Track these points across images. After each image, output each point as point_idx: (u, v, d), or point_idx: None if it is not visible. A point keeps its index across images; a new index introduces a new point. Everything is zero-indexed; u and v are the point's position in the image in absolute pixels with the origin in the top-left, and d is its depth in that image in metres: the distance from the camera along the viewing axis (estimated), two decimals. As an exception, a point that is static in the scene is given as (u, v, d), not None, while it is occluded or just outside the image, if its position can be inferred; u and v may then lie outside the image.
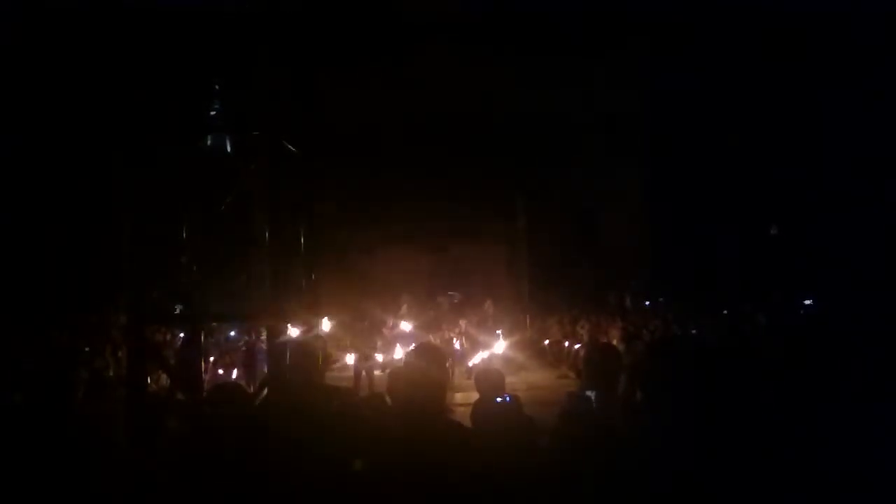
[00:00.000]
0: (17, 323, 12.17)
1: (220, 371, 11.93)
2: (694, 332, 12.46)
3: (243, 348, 12.89)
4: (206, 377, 7.89)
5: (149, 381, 5.91)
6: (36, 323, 12.67)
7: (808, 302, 14.59)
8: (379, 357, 12.09)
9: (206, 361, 10.06)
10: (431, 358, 3.06)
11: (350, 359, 11.72)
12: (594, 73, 18.62)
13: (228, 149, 5.71)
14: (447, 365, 3.39)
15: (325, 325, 9.75)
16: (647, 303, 18.58)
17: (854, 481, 2.84)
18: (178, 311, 5.69)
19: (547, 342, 15.29)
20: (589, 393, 3.56)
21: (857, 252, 15.60)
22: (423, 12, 16.89)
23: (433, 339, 13.14)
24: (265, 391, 4.98)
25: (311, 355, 3.43)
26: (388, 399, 4.02)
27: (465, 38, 17.87)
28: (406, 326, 13.32)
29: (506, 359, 11.76)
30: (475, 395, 4.74)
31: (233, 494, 2.64)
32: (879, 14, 14.63)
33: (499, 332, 13.27)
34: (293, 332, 5.38)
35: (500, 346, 11.84)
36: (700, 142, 18.75)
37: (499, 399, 4.43)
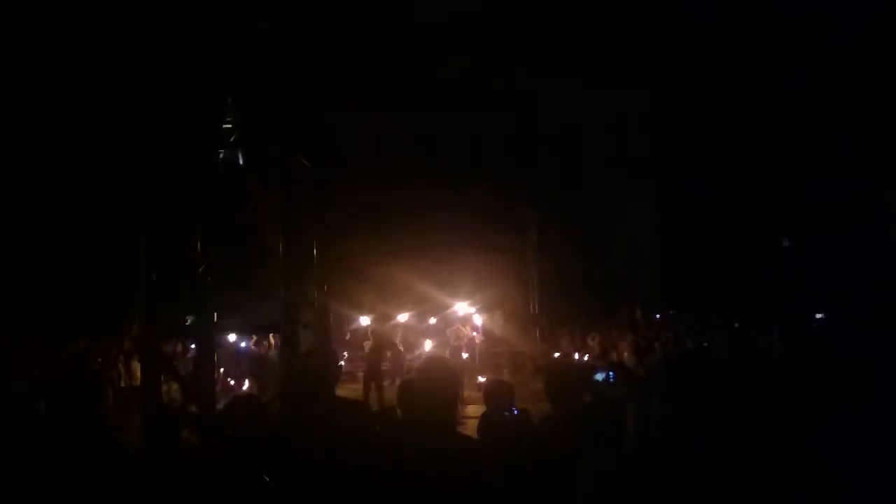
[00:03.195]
0: (30, 333, 12.27)
1: (232, 382, 11.97)
2: (706, 344, 12.38)
3: (257, 353, 12.97)
4: (217, 388, 7.93)
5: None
6: (49, 333, 12.77)
7: (819, 315, 14.48)
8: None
9: (217, 372, 10.11)
10: (442, 371, 3.07)
11: None
12: (605, 84, 18.64)
13: (241, 162, 5.78)
14: (458, 378, 3.41)
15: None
16: (658, 315, 18.48)
17: (863, 487, 2.85)
18: (189, 322, 5.74)
19: (557, 354, 15.24)
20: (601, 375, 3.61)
21: (866, 265, 15.50)
22: (435, 27, 16.99)
23: (443, 349, 13.18)
24: (277, 402, 5.00)
25: (326, 367, 3.45)
26: (398, 412, 4.04)
27: (476, 51, 17.95)
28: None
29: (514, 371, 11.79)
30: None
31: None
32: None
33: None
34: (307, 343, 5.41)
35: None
36: (711, 153, 18.72)
37: (507, 412, 4.42)
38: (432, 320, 15.14)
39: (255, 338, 13.27)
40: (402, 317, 14.43)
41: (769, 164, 18.05)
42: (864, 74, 15.68)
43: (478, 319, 15.26)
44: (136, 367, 10.07)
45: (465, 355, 13.80)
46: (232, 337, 12.90)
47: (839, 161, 16.71)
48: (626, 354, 10.90)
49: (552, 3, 18.05)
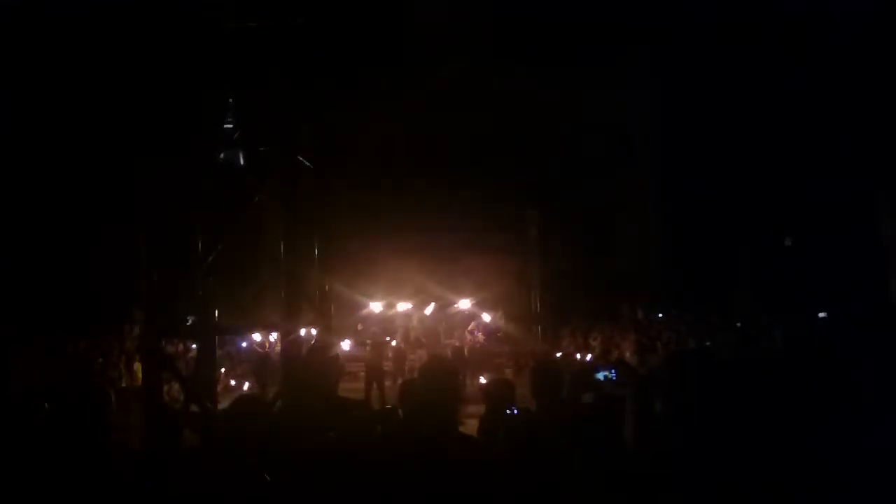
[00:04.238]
0: (30, 333, 12.28)
1: (233, 382, 11.99)
2: (708, 344, 12.38)
3: (258, 353, 12.99)
4: (218, 388, 7.94)
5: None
6: (50, 334, 12.78)
7: (822, 314, 14.48)
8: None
9: (218, 372, 10.13)
10: (443, 371, 3.08)
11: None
12: (606, 83, 18.65)
13: (241, 162, 5.79)
14: (459, 377, 3.42)
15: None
16: (660, 314, 18.48)
17: (867, 490, 2.84)
18: (190, 323, 5.75)
19: (559, 354, 15.22)
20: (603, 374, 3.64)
21: (866, 265, 15.50)
22: (434, 26, 16.98)
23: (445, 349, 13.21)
24: (279, 402, 5.01)
25: (328, 367, 3.46)
26: (399, 412, 4.04)
27: (476, 49, 17.94)
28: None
29: (516, 371, 11.82)
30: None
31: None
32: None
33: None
34: (308, 342, 5.42)
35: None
36: (714, 152, 18.71)
37: (508, 411, 4.42)
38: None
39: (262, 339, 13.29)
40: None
41: (769, 164, 18.04)
42: (864, 74, 15.66)
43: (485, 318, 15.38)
44: (138, 367, 10.09)
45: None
46: (257, 337, 12.91)
47: (839, 161, 16.70)
48: (627, 354, 10.92)
49: (552, 3, 18.05)
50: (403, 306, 16.13)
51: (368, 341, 13.20)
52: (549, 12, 17.87)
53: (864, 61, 15.54)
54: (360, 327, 15.44)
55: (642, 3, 17.93)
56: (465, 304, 16.31)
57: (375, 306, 16.11)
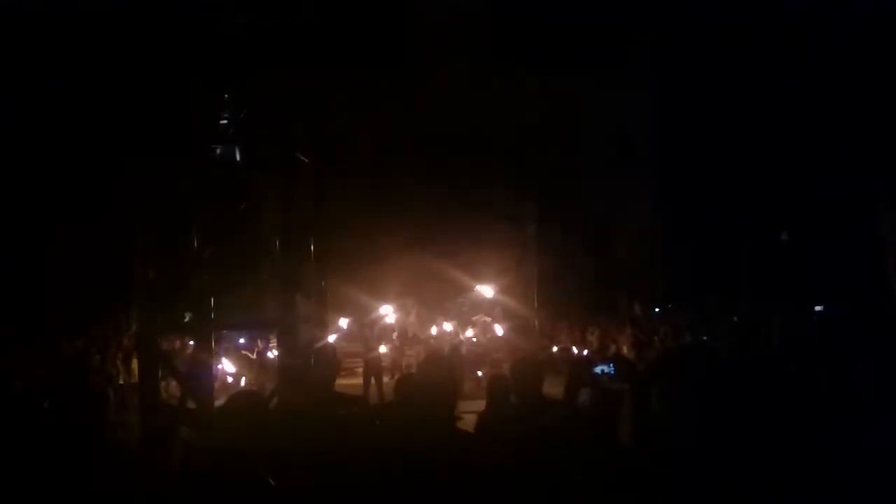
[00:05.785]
0: (30, 331, 12.27)
1: (230, 379, 11.96)
2: (705, 338, 12.41)
3: (254, 356, 12.96)
4: (215, 385, 7.93)
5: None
6: (50, 332, 12.78)
7: (819, 308, 14.49)
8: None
9: (216, 369, 10.10)
10: (440, 366, 3.08)
11: None
12: (606, 83, 18.66)
13: (238, 158, 5.77)
14: (456, 373, 3.42)
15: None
16: (657, 309, 18.50)
17: (865, 488, 2.84)
18: (187, 320, 5.73)
19: (556, 348, 15.25)
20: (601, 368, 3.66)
21: (865, 264, 15.52)
22: (434, 22, 16.97)
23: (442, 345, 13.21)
24: (275, 399, 5.00)
25: (326, 363, 3.46)
26: (397, 407, 4.03)
27: (476, 46, 17.95)
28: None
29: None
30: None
31: (246, 501, 2.67)
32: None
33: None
34: (305, 339, 5.41)
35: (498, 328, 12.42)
36: (710, 148, 18.73)
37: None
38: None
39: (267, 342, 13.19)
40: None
41: (769, 163, 18.06)
42: (864, 74, 15.68)
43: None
44: (135, 364, 10.09)
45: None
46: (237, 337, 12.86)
47: (839, 161, 16.71)
48: (625, 348, 10.92)
49: (552, 3, 18.05)
50: (399, 302, 16.12)
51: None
52: (549, 12, 17.86)
53: (864, 61, 15.53)
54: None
55: (642, 3, 17.93)
56: (462, 300, 16.30)
57: (373, 303, 16.07)
